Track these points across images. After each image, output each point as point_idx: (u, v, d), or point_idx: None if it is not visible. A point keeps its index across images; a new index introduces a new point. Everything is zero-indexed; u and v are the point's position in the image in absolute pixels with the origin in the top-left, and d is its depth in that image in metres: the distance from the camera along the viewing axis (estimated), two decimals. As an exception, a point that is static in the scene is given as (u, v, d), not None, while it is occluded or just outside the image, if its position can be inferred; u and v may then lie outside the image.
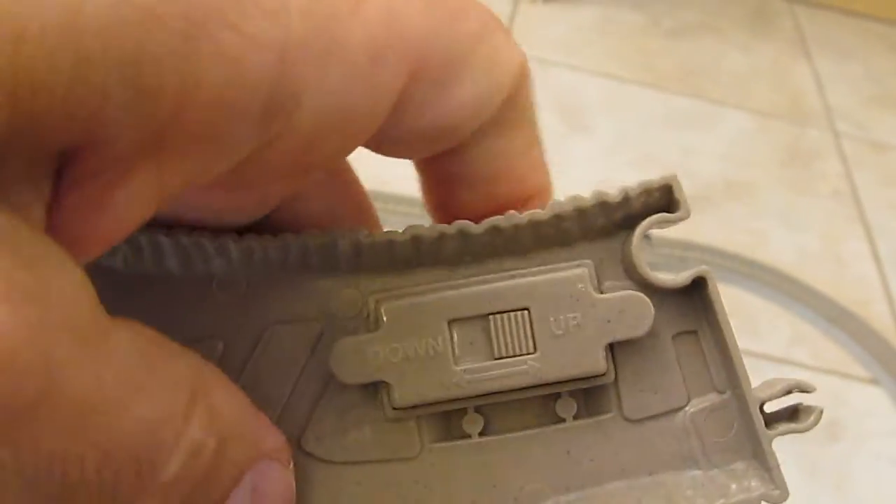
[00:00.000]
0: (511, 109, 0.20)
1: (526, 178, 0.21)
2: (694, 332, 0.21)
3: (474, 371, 0.20)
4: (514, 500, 0.20)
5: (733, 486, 0.20)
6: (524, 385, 0.20)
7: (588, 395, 0.21)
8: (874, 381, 0.83)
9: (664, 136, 1.10)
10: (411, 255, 0.20)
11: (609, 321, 0.20)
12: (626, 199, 0.20)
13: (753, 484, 0.20)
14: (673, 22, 1.33)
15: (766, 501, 0.20)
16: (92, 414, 0.13)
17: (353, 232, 0.20)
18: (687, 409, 0.21)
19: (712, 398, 0.21)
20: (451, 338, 0.20)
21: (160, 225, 0.20)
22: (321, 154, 0.16)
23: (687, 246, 0.92)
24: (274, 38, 0.14)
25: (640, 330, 0.20)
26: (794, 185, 1.08)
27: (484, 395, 0.20)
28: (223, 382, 0.17)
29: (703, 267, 0.21)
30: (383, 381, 0.20)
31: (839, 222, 1.03)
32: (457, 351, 0.20)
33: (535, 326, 0.20)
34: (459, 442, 0.21)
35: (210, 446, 0.16)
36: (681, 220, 0.21)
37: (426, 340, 0.20)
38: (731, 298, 0.89)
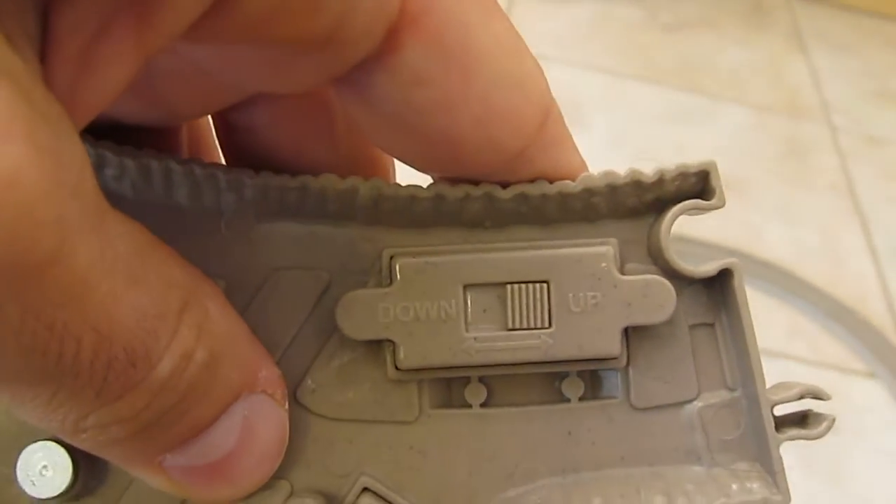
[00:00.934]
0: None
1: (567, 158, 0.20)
2: (711, 325, 0.20)
3: (485, 340, 0.19)
4: (509, 476, 0.20)
5: (734, 487, 0.20)
6: (534, 360, 0.19)
7: (596, 377, 0.20)
8: (872, 375, 0.83)
9: (661, 131, 1.10)
10: (432, 214, 0.19)
11: (629, 304, 0.19)
12: (660, 180, 0.20)
13: (756, 486, 0.19)
14: (670, 17, 1.33)
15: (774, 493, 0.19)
16: (93, 293, 0.13)
17: (375, 182, 0.19)
18: (696, 402, 0.20)
19: (723, 395, 0.20)
20: (465, 303, 0.19)
21: (162, 147, 0.19)
22: (279, 27, 0.15)
23: (683, 240, 0.92)
24: None
25: (661, 317, 0.19)
26: (791, 180, 1.08)
27: (491, 365, 0.19)
28: (220, 301, 0.17)
29: (732, 259, 0.20)
30: (389, 340, 0.19)
31: (836, 217, 1.03)
32: (469, 317, 0.19)
33: (552, 301, 0.19)
34: (460, 411, 0.20)
35: (201, 357, 0.15)
36: (714, 208, 0.20)
37: (439, 303, 0.19)
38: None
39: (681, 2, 1.37)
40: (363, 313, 0.19)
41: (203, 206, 0.19)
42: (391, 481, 0.19)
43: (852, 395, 0.81)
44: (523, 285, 0.19)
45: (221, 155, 0.22)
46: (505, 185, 0.19)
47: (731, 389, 0.20)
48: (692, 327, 0.20)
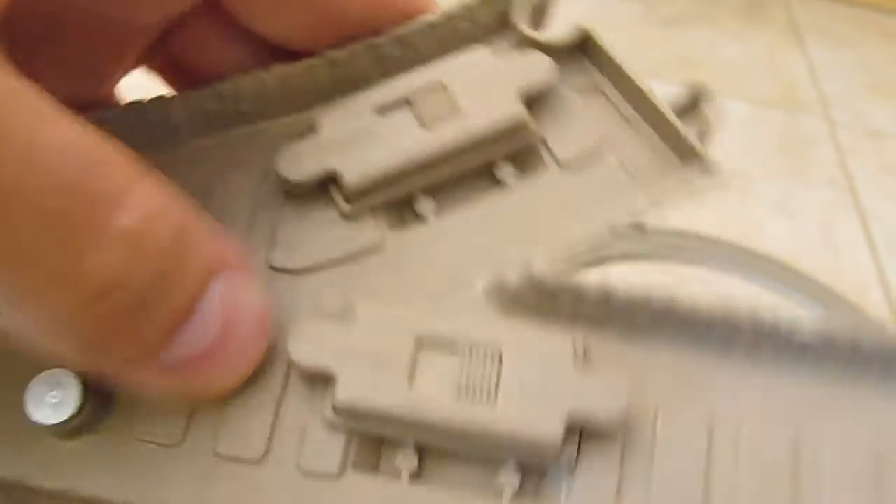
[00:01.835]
0: None
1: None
2: (601, 91, 0.23)
3: (411, 141, 0.20)
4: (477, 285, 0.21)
5: (672, 185, 0.23)
6: (458, 143, 0.20)
7: (521, 157, 0.22)
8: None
9: (660, 126, 1.10)
10: (329, 83, 0.21)
11: (517, 72, 0.21)
12: None
13: (689, 176, 0.22)
14: (668, 11, 1.33)
15: (705, 176, 0.21)
16: (37, 143, 0.13)
17: (274, 68, 0.21)
18: (612, 152, 0.22)
19: (631, 134, 0.23)
20: (383, 121, 0.20)
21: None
22: None
23: (682, 235, 0.91)
24: None
25: (546, 77, 0.22)
26: (789, 174, 1.08)
27: (427, 164, 0.20)
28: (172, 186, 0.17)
29: (585, 24, 0.23)
30: (332, 174, 0.20)
31: (834, 210, 1.03)
32: (391, 130, 0.20)
33: (451, 96, 0.21)
34: (418, 226, 0.21)
35: (169, 223, 0.15)
36: None
37: (361, 125, 0.20)
38: (724, 287, 0.89)
39: (678, -4, 1.37)
40: (300, 157, 0.21)
41: (137, 138, 0.19)
42: None
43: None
44: (425, 93, 0.21)
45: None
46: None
47: (636, 127, 0.23)
48: (582, 92, 0.23)
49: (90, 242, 0.14)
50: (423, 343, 0.19)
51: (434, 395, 0.18)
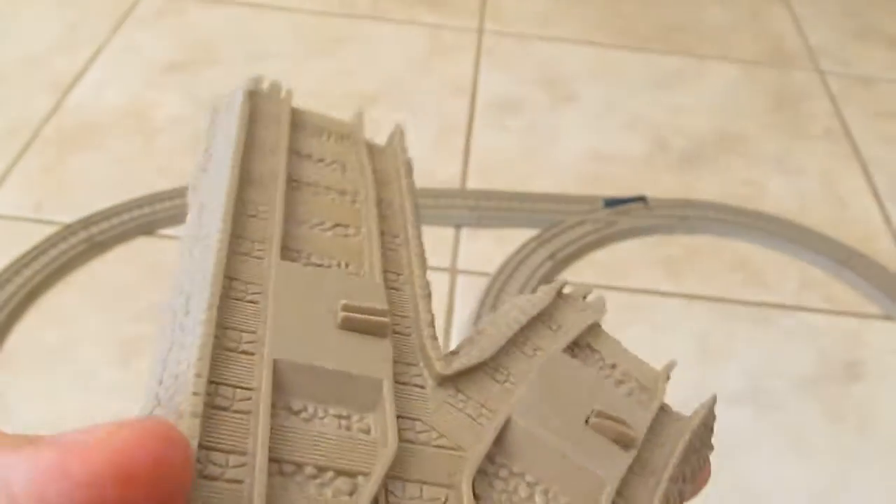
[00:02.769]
0: None
1: None
2: None
3: None
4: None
5: None
6: None
7: None
8: (888, 318, 0.83)
9: (652, 97, 1.10)
10: None
11: None
12: None
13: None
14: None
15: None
16: None
17: None
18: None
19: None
20: None
21: None
22: None
23: (686, 204, 0.91)
24: None
25: None
26: (786, 130, 1.07)
27: None
28: None
29: None
30: None
31: (835, 161, 1.03)
32: None
33: None
34: None
35: None
36: None
37: None
38: (735, 252, 0.89)
39: (655, -36, 1.36)
40: None
41: None
42: None
43: (872, 340, 0.81)
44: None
45: None
46: None
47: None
48: None
49: None
50: None
51: None
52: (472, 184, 0.93)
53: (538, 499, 0.18)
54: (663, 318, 0.81)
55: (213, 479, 0.15)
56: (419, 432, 0.18)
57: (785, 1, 1.34)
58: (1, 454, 0.13)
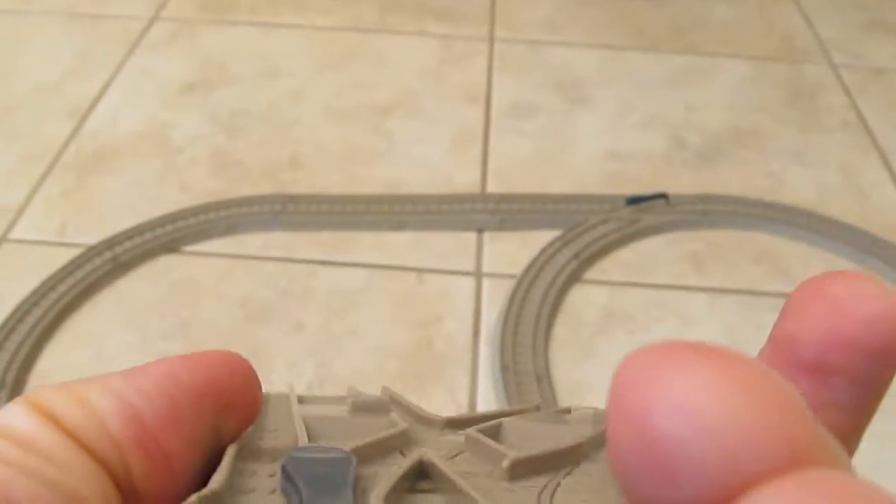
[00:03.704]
0: None
1: None
2: None
3: None
4: None
5: None
6: None
7: None
8: (918, 303, 0.82)
9: (666, 96, 1.10)
10: None
11: None
12: None
13: None
14: (653, -17, 1.33)
15: None
16: None
17: None
18: None
19: None
20: None
21: None
22: None
23: (707, 199, 0.91)
24: None
25: None
26: (802, 124, 1.07)
27: None
28: None
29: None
30: None
31: (853, 152, 1.03)
32: None
33: None
34: None
35: None
36: None
37: None
38: (758, 245, 0.89)
39: (661, -33, 1.36)
40: None
41: None
42: None
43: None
44: None
45: None
46: None
47: None
48: None
49: None
50: None
51: None
52: (492, 189, 0.93)
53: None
54: (691, 313, 0.81)
55: None
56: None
57: (792, -3, 1.34)
58: (117, 376, 0.15)
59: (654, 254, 0.86)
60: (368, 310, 0.79)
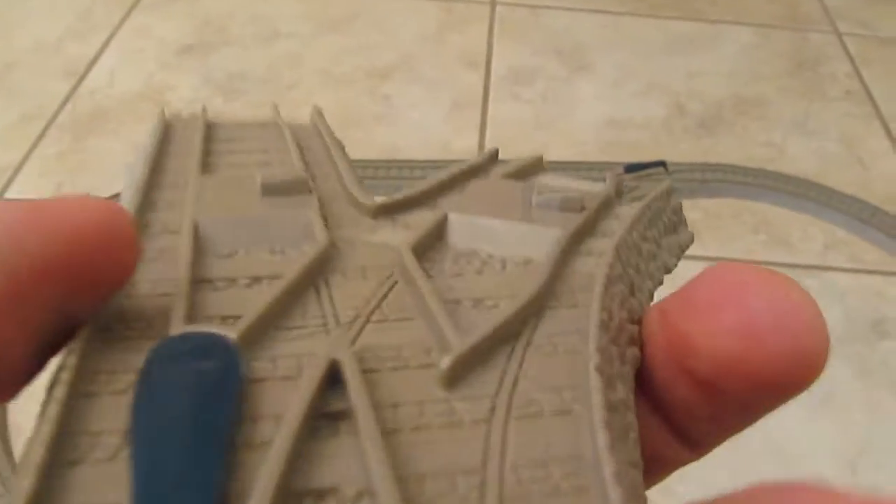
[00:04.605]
0: None
1: None
2: None
3: None
4: None
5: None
6: None
7: None
8: (915, 274, 0.82)
9: (667, 63, 1.09)
10: None
11: None
12: None
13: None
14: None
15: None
16: None
17: None
18: None
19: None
20: None
21: None
22: None
23: (706, 168, 0.91)
24: None
25: None
26: (805, 93, 1.06)
27: None
28: None
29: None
30: None
31: (856, 122, 1.02)
32: None
33: None
34: None
35: None
36: None
37: None
38: (758, 213, 0.88)
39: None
40: None
41: None
42: None
43: (899, 296, 0.80)
44: None
45: None
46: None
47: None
48: None
49: None
50: None
51: None
52: (490, 155, 0.92)
53: (495, 263, 0.18)
54: (687, 282, 0.80)
55: (144, 296, 0.15)
56: (357, 243, 0.18)
57: (799, -37, 1.32)
58: None
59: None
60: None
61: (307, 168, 0.22)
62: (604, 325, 0.15)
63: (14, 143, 0.90)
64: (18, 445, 0.65)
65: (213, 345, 0.13)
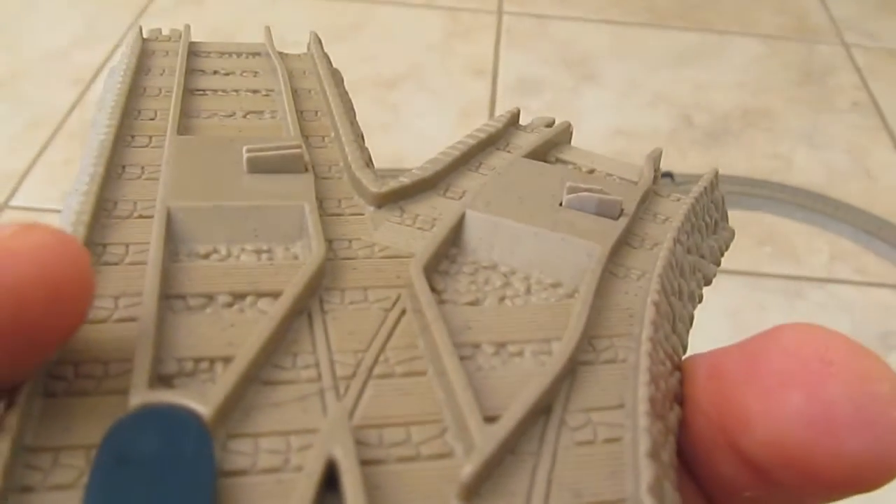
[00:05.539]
0: None
1: None
2: None
3: None
4: None
5: None
6: None
7: None
8: (923, 287, 0.82)
9: (674, 74, 1.09)
10: None
11: None
12: None
13: None
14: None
15: None
16: None
17: None
18: None
19: None
20: None
21: None
22: None
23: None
24: None
25: None
26: (812, 104, 1.06)
27: None
28: None
29: None
30: None
31: (863, 134, 1.02)
32: None
33: None
34: None
35: None
36: None
37: None
38: (764, 225, 0.88)
39: (674, -58, 1.35)
40: None
41: None
42: None
43: (907, 310, 0.80)
44: None
45: None
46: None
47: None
48: None
49: None
50: None
51: None
52: (496, 165, 0.92)
53: (518, 285, 0.15)
54: (693, 294, 0.80)
55: (102, 321, 0.14)
56: (358, 248, 0.16)
57: (807, -25, 1.32)
58: None
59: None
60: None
61: (301, 126, 0.19)
62: (652, 401, 0.12)
63: (21, 151, 0.90)
64: None
65: (180, 425, 0.11)
